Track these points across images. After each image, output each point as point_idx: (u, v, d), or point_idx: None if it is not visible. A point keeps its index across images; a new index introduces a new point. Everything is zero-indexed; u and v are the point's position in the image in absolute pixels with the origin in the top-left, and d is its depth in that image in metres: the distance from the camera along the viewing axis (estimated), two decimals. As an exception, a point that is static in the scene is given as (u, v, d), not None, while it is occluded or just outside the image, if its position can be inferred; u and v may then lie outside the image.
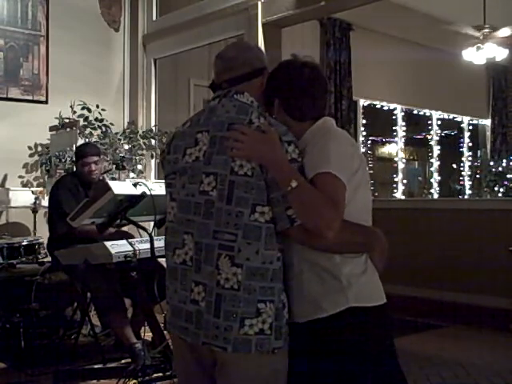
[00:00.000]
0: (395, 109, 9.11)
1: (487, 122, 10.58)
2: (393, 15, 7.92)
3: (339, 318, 1.77)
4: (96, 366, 3.81)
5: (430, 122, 9.77)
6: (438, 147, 9.83)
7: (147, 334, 3.68)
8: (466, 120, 10.34)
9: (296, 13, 4.98)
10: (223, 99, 1.90)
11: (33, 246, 4.74)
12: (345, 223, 1.75)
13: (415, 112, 9.51)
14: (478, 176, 9.45)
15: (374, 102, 8.78)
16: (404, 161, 9.35)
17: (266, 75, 1.96)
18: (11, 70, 5.78)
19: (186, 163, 1.88)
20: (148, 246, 3.48)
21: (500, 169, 8.95)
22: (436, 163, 9.75)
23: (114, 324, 3.84)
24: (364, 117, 8.63)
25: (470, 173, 10.12)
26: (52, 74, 5.96)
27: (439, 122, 9.82)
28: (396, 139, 9.27)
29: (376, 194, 8.67)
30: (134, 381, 3.35)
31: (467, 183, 10.05)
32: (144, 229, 3.54)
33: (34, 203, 5.46)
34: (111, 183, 3.39)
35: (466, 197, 9.59)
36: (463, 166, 10.27)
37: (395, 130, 9.21)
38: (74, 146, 5.09)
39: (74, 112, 5.65)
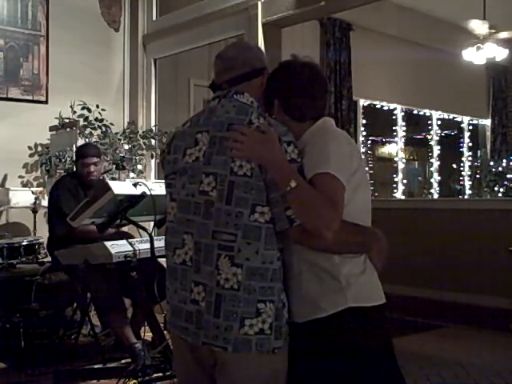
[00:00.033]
0: (395, 109, 9.11)
1: (487, 122, 10.58)
2: (393, 15, 7.94)
3: (338, 318, 1.77)
4: (96, 366, 3.81)
5: (430, 122, 9.77)
6: (438, 147, 9.83)
7: (147, 334, 3.67)
8: (465, 120, 10.34)
9: (296, 13, 4.98)
10: (223, 99, 1.90)
11: (33, 245, 4.74)
12: (344, 223, 1.75)
13: (415, 112, 9.51)
14: (478, 176, 9.45)
15: (374, 102, 8.78)
16: (404, 161, 9.35)
17: (265, 75, 1.96)
18: (11, 70, 5.78)
19: (185, 163, 1.88)
20: (148, 246, 3.47)
21: (500, 169, 8.95)
22: (436, 163, 9.75)
23: (114, 324, 3.84)
24: (364, 117, 8.63)
25: (470, 173, 10.12)
26: (52, 74, 5.96)
27: (439, 122, 9.82)
28: (396, 139, 9.27)
29: (376, 194, 8.67)
30: (134, 381, 3.35)
31: (467, 183, 10.05)
32: (144, 229, 3.54)
33: (34, 203, 5.46)
34: (111, 183, 3.39)
35: (466, 197, 9.58)
36: (463, 166, 10.27)
37: (395, 130, 9.21)
38: (74, 146, 5.09)
39: (74, 112, 5.65)
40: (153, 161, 6.23)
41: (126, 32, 6.53)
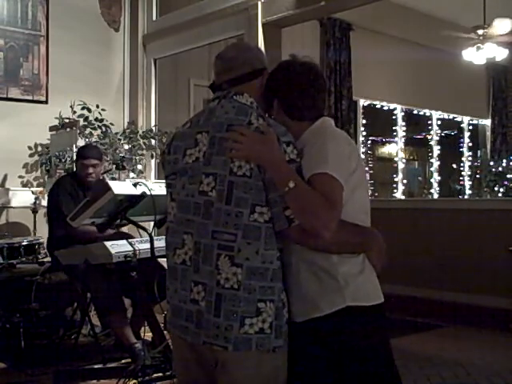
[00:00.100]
0: (395, 109, 9.11)
1: (487, 122, 10.58)
2: (393, 15, 7.93)
3: (337, 317, 1.78)
4: (96, 366, 3.81)
5: (430, 122, 9.78)
6: (438, 147, 9.83)
7: (147, 334, 3.67)
8: (466, 120, 10.35)
9: (296, 13, 4.98)
10: (223, 100, 1.90)
11: (33, 246, 4.75)
12: (343, 223, 1.76)
13: (415, 112, 9.51)
14: (478, 176, 9.45)
15: (374, 102, 8.78)
16: (404, 161, 9.35)
17: (265, 76, 1.97)
18: (11, 69, 5.78)
19: (185, 164, 1.88)
20: (148, 246, 3.48)
21: (500, 169, 8.95)
22: (436, 163, 9.75)
23: (114, 324, 3.84)
24: (364, 117, 8.63)
25: (470, 173, 10.12)
26: (52, 73, 5.96)
27: (439, 122, 9.82)
28: (396, 139, 9.27)
29: (376, 194, 8.68)
30: (134, 381, 3.35)
31: (467, 183, 10.05)
32: (144, 229, 3.54)
33: (34, 203, 5.46)
34: (111, 183, 3.38)
35: (466, 197, 9.59)
36: (463, 166, 10.27)
37: (395, 130, 9.21)
38: (74, 146, 5.09)
39: (74, 112, 5.65)
40: (153, 161, 6.23)
41: (126, 32, 6.53)
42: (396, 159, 9.24)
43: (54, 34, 5.97)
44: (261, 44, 5.07)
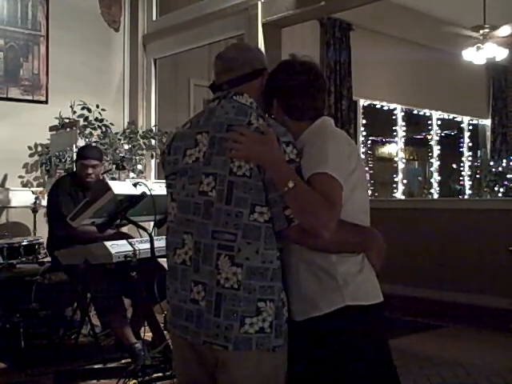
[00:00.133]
0: (395, 109, 9.11)
1: (487, 122, 10.59)
2: (393, 15, 7.93)
3: (336, 316, 1.78)
4: (96, 366, 3.81)
5: (430, 122, 9.78)
6: (438, 147, 9.83)
7: (147, 334, 3.68)
8: (466, 120, 10.35)
9: (296, 13, 4.98)
10: (222, 100, 1.90)
11: (33, 246, 4.75)
12: (342, 223, 1.76)
13: (415, 112, 9.51)
14: (478, 176, 9.45)
15: (374, 102, 8.78)
16: (404, 161, 9.35)
17: (265, 76, 1.97)
18: (11, 69, 5.78)
19: (185, 164, 1.89)
20: (148, 246, 3.48)
21: (500, 169, 8.95)
22: (436, 163, 9.75)
23: (114, 324, 3.84)
24: (364, 117, 8.63)
25: (470, 173, 10.12)
26: (52, 73, 5.96)
27: (439, 122, 9.82)
28: (396, 139, 9.27)
29: (376, 194, 8.67)
30: (134, 381, 3.35)
31: (467, 183, 10.05)
32: (144, 229, 3.54)
33: (34, 203, 5.46)
34: (111, 183, 3.38)
35: (466, 197, 9.59)
36: (463, 166, 10.27)
37: (395, 130, 9.21)
38: (74, 146, 5.09)
39: (74, 112, 5.65)
40: (153, 161, 6.24)
41: (126, 32, 6.53)
42: (396, 159, 9.24)
43: (54, 34, 5.97)
44: (261, 44, 5.06)
